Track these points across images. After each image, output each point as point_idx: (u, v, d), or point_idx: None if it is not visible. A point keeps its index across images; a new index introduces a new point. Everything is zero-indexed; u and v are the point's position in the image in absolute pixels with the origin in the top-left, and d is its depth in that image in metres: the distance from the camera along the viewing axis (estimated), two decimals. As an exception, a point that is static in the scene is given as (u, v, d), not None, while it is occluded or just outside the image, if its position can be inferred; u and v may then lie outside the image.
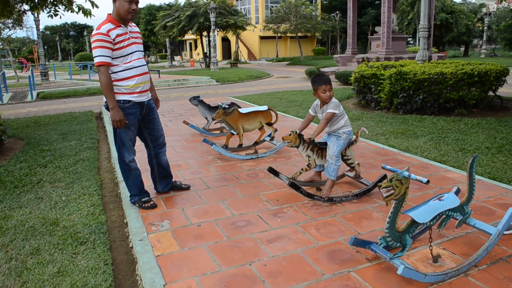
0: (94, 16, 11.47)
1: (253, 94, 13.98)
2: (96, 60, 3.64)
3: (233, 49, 46.48)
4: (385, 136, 6.88)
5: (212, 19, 27.97)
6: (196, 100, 7.03)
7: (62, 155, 6.31)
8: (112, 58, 3.70)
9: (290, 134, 3.96)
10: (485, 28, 39.57)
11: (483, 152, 5.71)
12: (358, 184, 4.44)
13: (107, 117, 9.64)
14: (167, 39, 40.33)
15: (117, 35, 3.70)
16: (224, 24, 31.85)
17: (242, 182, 4.64)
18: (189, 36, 45.90)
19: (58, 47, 64.65)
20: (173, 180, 4.49)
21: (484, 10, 50.87)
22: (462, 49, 49.34)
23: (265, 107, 5.78)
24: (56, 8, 12.05)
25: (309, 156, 4.04)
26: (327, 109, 3.92)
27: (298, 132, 3.97)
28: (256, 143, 5.89)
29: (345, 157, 4.14)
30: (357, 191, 4.08)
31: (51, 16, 12.41)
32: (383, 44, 19.45)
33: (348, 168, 4.35)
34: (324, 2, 52.81)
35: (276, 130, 5.99)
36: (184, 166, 5.33)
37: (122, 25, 3.77)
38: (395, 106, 9.03)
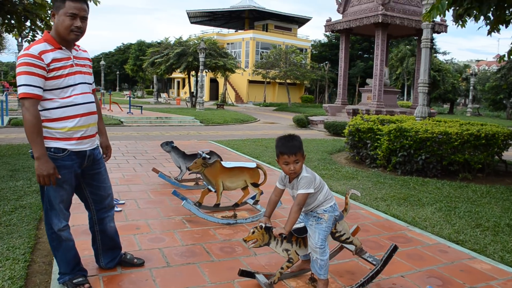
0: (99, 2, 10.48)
1: (238, 139, 13.08)
2: (19, 90, 2.65)
3: (221, 90, 46.17)
4: (385, 201, 5.93)
5: (201, 59, 27.49)
6: (169, 146, 6.03)
7: (0, 198, 5.17)
8: (44, 90, 2.73)
9: (253, 232, 2.90)
10: (471, 87, 40.06)
11: (505, 232, 4.78)
12: (360, 265, 3.42)
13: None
14: (154, 76, 39.78)
15: (54, 60, 2.74)
16: (213, 65, 31.51)
17: (214, 259, 3.58)
18: (178, 75, 45.58)
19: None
20: (123, 252, 3.40)
21: (467, 70, 52.15)
22: (446, 106, 50.02)
23: (253, 164, 4.81)
24: (35, 33, 11.21)
25: (287, 250, 3.01)
26: (298, 186, 2.85)
27: (263, 225, 2.92)
28: (236, 205, 4.86)
29: (336, 235, 3.13)
30: (362, 280, 3.06)
31: (28, 42, 11.56)
32: (374, 96, 18.97)
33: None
34: (314, 52, 53.43)
35: (262, 193, 5.00)
36: (143, 228, 4.25)
37: (64, 48, 2.82)
38: (393, 165, 8.17)
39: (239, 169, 4.68)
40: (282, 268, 3.02)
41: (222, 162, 4.62)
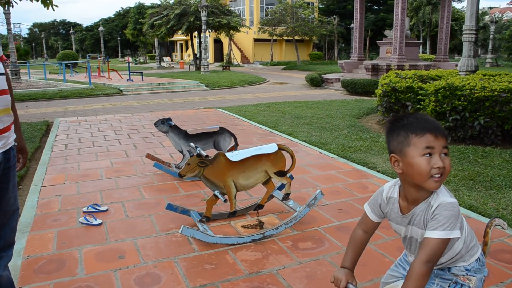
0: (57, 6, 9.15)
1: (249, 104, 11.60)
2: None
3: (225, 51, 44.14)
4: (450, 184, 4.54)
5: (203, 18, 25.55)
6: (166, 125, 4.62)
7: None
8: None
9: None
10: (491, 36, 37.63)
11: None
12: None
13: (53, 135, 7.20)
14: (155, 39, 37.86)
15: None
16: (217, 24, 29.50)
17: (238, 319, 2.25)
18: (180, 37, 43.59)
19: (44, 45, 61.96)
20: None
21: (486, 18, 49.25)
22: (458, 57, 47.63)
23: (273, 147, 3.35)
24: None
25: None
26: (430, 222, 1.44)
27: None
28: (260, 207, 3.48)
29: None
30: None
31: (2, 5, 10.18)
32: (395, 49, 17.19)
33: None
34: (321, 6, 50.65)
35: (292, 178, 3.62)
36: (130, 256, 2.92)
37: None
38: (440, 131, 6.71)
39: (254, 158, 3.26)
40: None
41: (227, 154, 3.18)
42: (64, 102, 13.64)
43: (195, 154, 3.12)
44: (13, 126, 1.86)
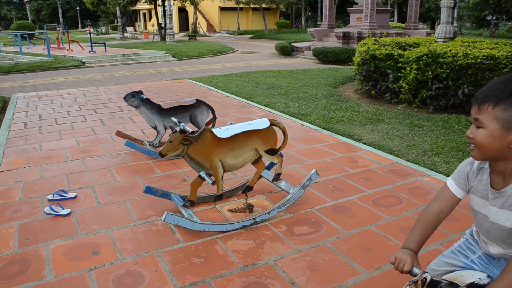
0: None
1: (219, 75, 11.13)
2: None
3: (191, 20, 42.74)
4: (439, 156, 4.36)
5: (168, -15, 24.43)
6: (137, 99, 4.17)
7: None
8: None
9: None
10: (456, 4, 37.89)
11: None
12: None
13: (10, 112, 6.59)
14: (117, 8, 36.09)
15: None
16: (181, -9, 28.33)
17: (237, 323, 1.96)
18: (143, 6, 41.86)
19: (-3, 15, 58.35)
20: None
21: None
22: (423, 25, 47.96)
23: (265, 122, 3.01)
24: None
25: None
26: None
27: (428, 278, 1.27)
28: (249, 189, 3.16)
29: None
30: None
31: None
32: (366, 17, 16.90)
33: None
34: (288, -28, 49.53)
35: (282, 156, 3.32)
36: (105, 251, 2.56)
37: None
38: (420, 100, 6.55)
39: (243, 134, 2.91)
40: None
41: (214, 130, 2.82)
42: (22, 76, 12.74)
43: (178, 129, 2.75)
44: None
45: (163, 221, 2.55)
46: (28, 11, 56.02)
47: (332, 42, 17.53)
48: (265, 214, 2.87)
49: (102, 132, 5.30)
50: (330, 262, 2.39)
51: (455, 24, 37.62)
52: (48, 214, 3.06)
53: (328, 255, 2.46)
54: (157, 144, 4.32)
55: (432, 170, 3.97)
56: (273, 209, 2.90)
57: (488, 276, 1.41)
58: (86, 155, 4.38)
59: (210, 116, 4.58)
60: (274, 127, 3.08)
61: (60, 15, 48.75)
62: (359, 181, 3.61)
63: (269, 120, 3.03)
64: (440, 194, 1.50)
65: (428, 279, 1.28)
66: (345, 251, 2.50)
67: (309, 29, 19.83)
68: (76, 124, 5.74)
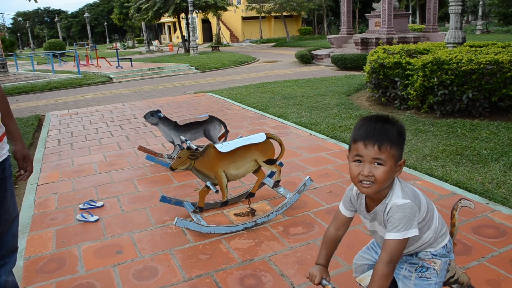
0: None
1: (239, 86, 11.61)
2: None
3: (214, 31, 43.68)
4: (438, 160, 4.65)
5: (189, 0, 25.22)
6: (155, 117, 4.66)
7: None
8: None
9: None
10: (481, 2, 37.33)
11: None
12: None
13: (45, 130, 7.22)
14: (143, 23, 37.32)
15: None
16: (203, 4, 29.16)
17: (233, 307, 2.36)
18: (167, 19, 43.00)
19: (29, 34, 61.04)
20: None
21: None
22: (447, 25, 47.21)
23: (261, 136, 3.42)
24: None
25: None
26: (387, 224, 1.54)
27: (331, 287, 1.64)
28: (251, 195, 3.57)
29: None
30: None
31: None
32: (383, 22, 17.09)
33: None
34: (309, -21, 49.88)
35: (281, 165, 3.71)
36: (127, 251, 3.02)
37: None
38: (428, 106, 6.80)
39: (243, 148, 3.33)
40: None
41: (217, 145, 3.25)
42: (54, 94, 13.57)
43: (185, 147, 3.19)
44: (5, 138, 1.92)
45: (175, 225, 2.98)
46: (59, 29, 58.35)
47: (351, 49, 17.78)
48: (264, 217, 3.27)
49: (127, 146, 5.82)
50: (316, 257, 2.76)
51: (480, 22, 37.14)
52: (79, 220, 3.55)
53: (316, 251, 2.83)
54: (175, 157, 4.78)
55: (427, 174, 4.26)
56: (272, 212, 3.30)
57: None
58: (112, 169, 4.89)
59: (223, 130, 5.01)
60: (272, 140, 3.49)
61: (89, 31, 50.59)
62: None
63: (266, 134, 3.43)
64: (335, 216, 1.79)
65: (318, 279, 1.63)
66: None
67: (328, 37, 20.14)
68: (104, 140, 6.30)
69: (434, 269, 1.64)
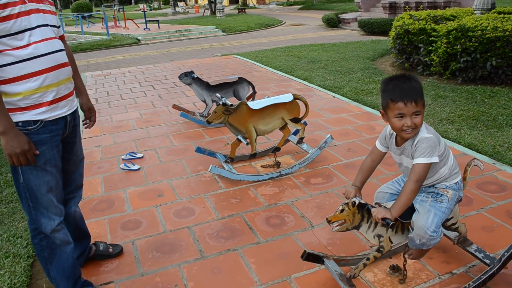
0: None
1: (265, 49, 11.81)
2: None
3: (240, -8, 43.10)
4: (453, 124, 4.89)
5: (217, -41, 25.01)
6: (189, 78, 5.02)
7: (2, 164, 4.45)
8: None
9: (342, 210, 2.03)
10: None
11: None
12: (452, 245, 2.56)
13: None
14: (169, -17, 37.19)
15: None
16: (230, -36, 28.78)
17: (260, 240, 2.77)
18: (193, -21, 42.60)
19: (56, -6, 61.37)
20: (92, 244, 2.67)
21: None
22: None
23: (289, 96, 3.76)
24: None
25: (379, 236, 2.11)
26: (415, 153, 1.96)
27: (357, 201, 2.04)
28: (277, 149, 3.94)
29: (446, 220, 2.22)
30: (471, 283, 2.19)
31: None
32: (413, -15, 16.75)
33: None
34: None
35: (306, 125, 4.05)
36: (167, 195, 3.46)
37: None
38: (450, 72, 6.94)
39: (272, 106, 3.68)
40: (367, 259, 2.16)
41: (249, 103, 3.62)
42: (85, 55, 14.03)
43: (221, 103, 3.56)
44: (74, 92, 2.30)
45: (209, 171, 3.40)
46: (86, -11, 58.47)
47: (379, 13, 17.53)
48: (288, 168, 3.65)
49: (161, 105, 6.23)
50: (333, 203, 3.14)
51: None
52: (123, 169, 4.00)
53: (333, 199, 3.21)
54: (206, 115, 5.17)
55: (442, 136, 4.53)
56: (295, 165, 3.68)
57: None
58: (148, 125, 5.32)
59: (251, 91, 5.34)
60: (298, 101, 3.82)
61: (116, -8, 50.61)
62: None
63: (293, 95, 3.76)
64: (372, 151, 2.21)
65: (357, 202, 2.01)
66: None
67: (356, 0, 19.83)
68: (138, 99, 6.72)
69: (447, 196, 2.06)
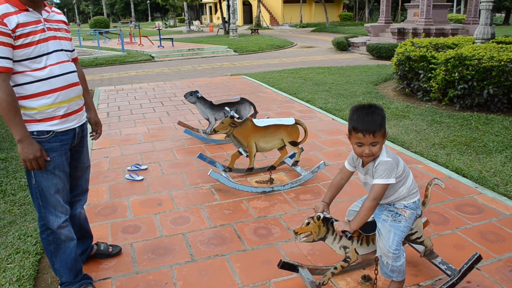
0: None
1: (274, 70, 12.17)
2: None
3: (254, 13, 44.01)
4: (445, 149, 5.12)
5: (232, -19, 25.74)
6: (194, 97, 5.34)
7: (17, 170, 4.77)
8: (14, 61, 2.16)
9: (308, 223, 2.28)
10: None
11: None
12: (423, 260, 2.78)
13: (95, 103, 8.07)
14: (184, 3, 38.16)
15: (20, 25, 2.17)
16: (245, -14, 29.54)
17: (246, 248, 3.02)
18: (209, 0, 43.68)
19: (76, 10, 63.12)
20: (94, 243, 2.95)
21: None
22: (499, 15, 45.55)
23: (291, 120, 4.07)
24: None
25: (345, 248, 2.37)
26: (374, 173, 2.19)
27: (321, 216, 2.28)
28: (272, 168, 4.22)
29: (409, 233, 2.46)
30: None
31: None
32: (422, 12, 17.09)
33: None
34: (353, -36, 49.18)
35: (302, 150, 4.32)
36: (166, 204, 3.73)
37: (31, 9, 2.24)
38: (449, 99, 7.18)
39: (274, 126, 3.99)
40: (335, 268, 2.41)
41: (254, 120, 3.93)
42: (99, 70, 14.52)
43: (229, 116, 3.87)
44: (84, 107, 2.61)
45: (208, 175, 3.70)
46: (104, 6, 60.10)
47: (388, 38, 17.87)
48: (281, 186, 3.91)
49: (167, 121, 6.55)
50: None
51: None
52: (127, 179, 4.29)
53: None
54: (209, 132, 5.46)
55: (430, 160, 4.76)
56: (287, 183, 3.94)
57: (373, 217, 2.37)
58: (154, 139, 5.63)
59: (252, 111, 5.63)
60: (299, 126, 4.12)
61: (132, 8, 51.97)
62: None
63: (295, 119, 4.07)
64: (341, 169, 2.42)
65: (321, 216, 2.25)
66: (334, 211, 3.46)
67: (365, 25, 20.23)
68: (147, 114, 7.06)
69: (404, 216, 2.28)
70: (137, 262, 2.86)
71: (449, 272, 2.46)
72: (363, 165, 2.28)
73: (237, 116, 3.92)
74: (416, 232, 2.46)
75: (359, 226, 2.21)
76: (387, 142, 5.36)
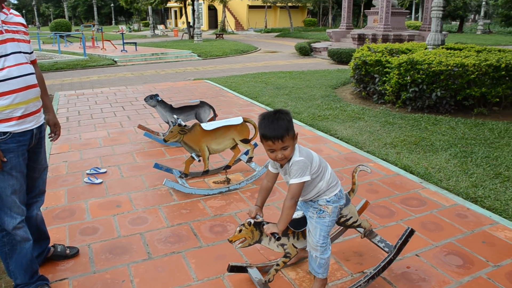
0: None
1: (236, 75, 12.33)
2: None
3: (219, 18, 44.15)
4: (395, 148, 5.40)
5: (196, -14, 25.80)
6: (154, 100, 5.41)
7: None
8: None
9: (240, 231, 2.39)
10: (483, 2, 37.75)
11: (530, 183, 4.28)
12: (368, 249, 2.99)
13: (55, 108, 7.97)
14: (149, 7, 37.85)
15: None
16: (209, -9, 29.66)
17: (202, 244, 3.14)
18: (174, 4, 43.47)
19: (35, 12, 61.32)
20: (51, 245, 2.99)
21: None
22: (454, 23, 47.52)
23: (239, 119, 4.20)
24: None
25: (283, 245, 2.52)
26: (290, 173, 2.29)
27: (252, 222, 2.40)
28: (228, 167, 4.35)
29: (342, 220, 2.62)
30: (372, 270, 2.62)
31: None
32: (381, 19, 17.71)
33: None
34: (316, -30, 50.14)
35: (255, 146, 4.47)
36: (125, 206, 3.80)
37: None
38: (402, 101, 7.54)
39: (224, 128, 4.11)
40: (277, 265, 2.57)
41: (202, 124, 4.04)
42: (60, 74, 14.25)
43: (177, 124, 3.96)
44: (42, 109, 2.66)
45: (163, 185, 3.76)
46: (65, 8, 58.72)
47: (349, 43, 18.41)
48: (237, 184, 4.05)
49: (128, 125, 6.58)
50: (273, 214, 3.55)
51: (481, 22, 37.55)
52: (86, 182, 4.32)
53: (273, 211, 3.61)
54: (169, 135, 5.54)
55: (381, 158, 5.03)
56: (243, 181, 4.08)
57: (303, 213, 2.53)
58: (114, 143, 5.66)
59: (212, 114, 5.75)
60: (248, 123, 4.25)
61: (95, 12, 51.07)
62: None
63: (243, 118, 4.19)
64: (266, 173, 2.51)
65: (252, 222, 2.38)
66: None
67: (327, 30, 20.74)
68: (108, 118, 7.06)
69: (327, 212, 2.41)
70: (94, 262, 2.93)
71: (387, 249, 2.67)
72: (281, 167, 2.37)
73: (183, 124, 4.01)
74: (351, 217, 2.63)
75: (285, 225, 2.31)
76: (341, 142, 5.60)
